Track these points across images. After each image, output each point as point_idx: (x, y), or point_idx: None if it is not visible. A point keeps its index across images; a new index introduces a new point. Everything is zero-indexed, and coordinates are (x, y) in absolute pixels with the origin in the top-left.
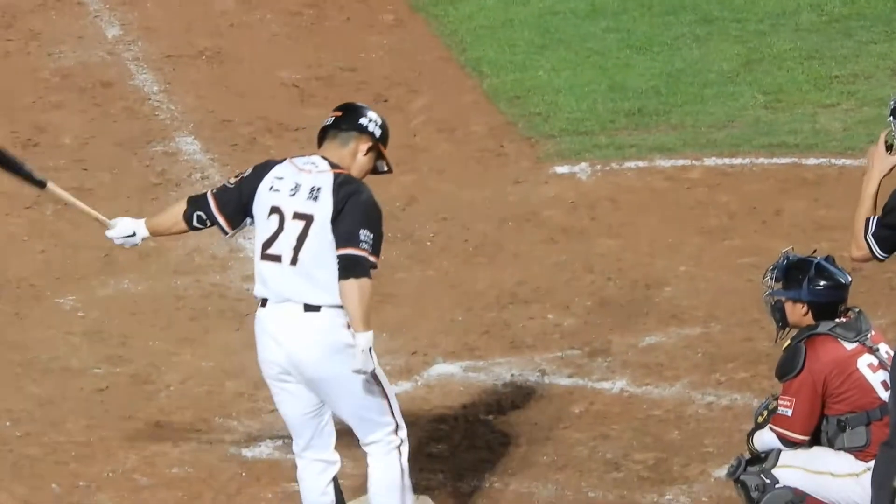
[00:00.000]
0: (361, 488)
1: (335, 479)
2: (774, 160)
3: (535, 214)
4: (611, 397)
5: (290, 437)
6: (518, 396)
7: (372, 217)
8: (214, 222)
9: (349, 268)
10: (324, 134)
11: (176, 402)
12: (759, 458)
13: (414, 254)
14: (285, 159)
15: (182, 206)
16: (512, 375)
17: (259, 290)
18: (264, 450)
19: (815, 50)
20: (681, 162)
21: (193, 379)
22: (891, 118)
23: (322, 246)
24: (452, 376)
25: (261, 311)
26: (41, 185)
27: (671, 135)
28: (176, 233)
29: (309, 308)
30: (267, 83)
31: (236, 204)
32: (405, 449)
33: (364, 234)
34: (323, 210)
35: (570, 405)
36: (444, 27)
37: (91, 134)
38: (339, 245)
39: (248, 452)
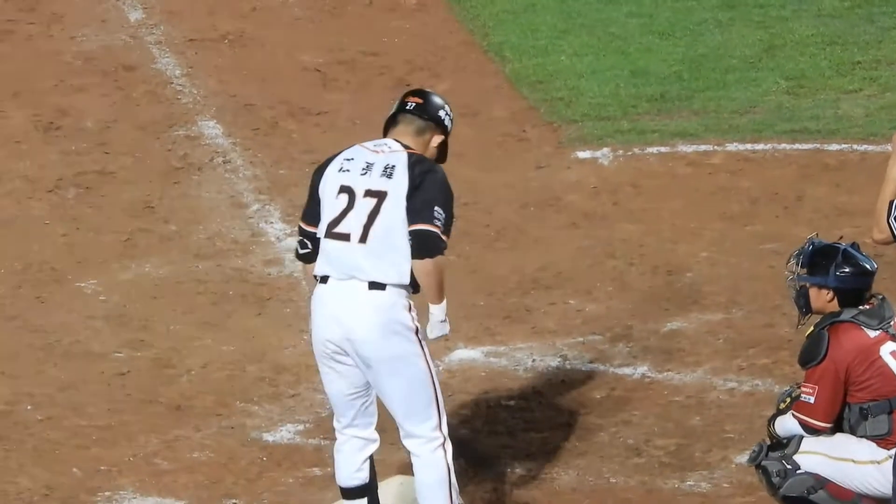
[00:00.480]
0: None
1: (371, 458)
2: (796, 146)
3: (557, 199)
4: (632, 383)
5: (311, 422)
6: (539, 382)
7: (446, 196)
8: (313, 237)
9: (423, 245)
10: (394, 118)
11: (197, 387)
12: (781, 444)
13: None
14: (353, 146)
15: (304, 260)
16: (533, 361)
17: (321, 269)
18: (285, 434)
19: (837, 35)
20: (703, 147)
21: (214, 363)
22: None
23: (393, 223)
24: (474, 361)
25: (321, 288)
26: None
27: (693, 120)
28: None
29: (374, 286)
30: (289, 67)
31: (316, 202)
32: (449, 447)
33: (437, 212)
34: (397, 186)
35: (592, 391)
36: (466, 11)
37: (113, 117)
38: (412, 221)
39: (269, 437)
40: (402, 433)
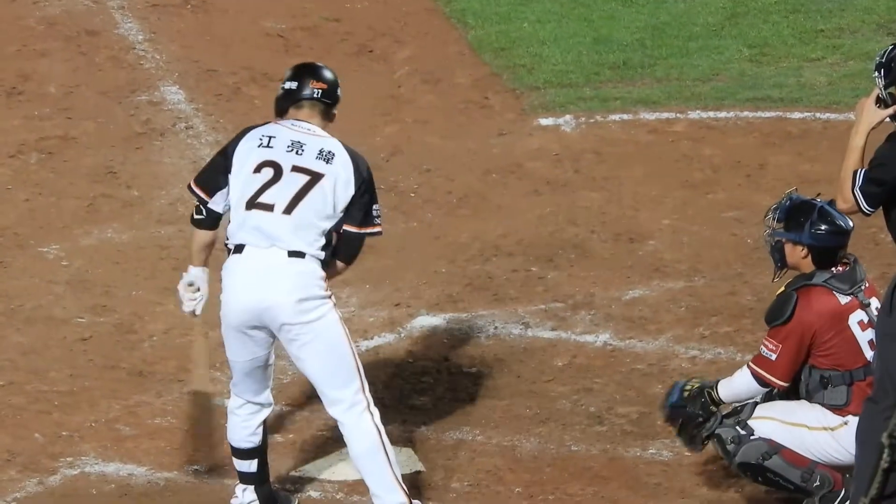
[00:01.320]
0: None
1: (264, 422)
2: (759, 114)
3: (519, 166)
4: (594, 350)
5: (273, 388)
6: (501, 349)
7: (375, 189)
8: (202, 201)
9: (349, 248)
10: (298, 101)
11: (159, 352)
12: (735, 411)
13: (397, 205)
14: (268, 122)
15: (198, 226)
16: (495, 328)
17: (237, 238)
18: None
19: (800, 4)
20: (665, 115)
21: (177, 329)
22: (876, 73)
23: (322, 205)
24: (436, 328)
25: (234, 258)
26: None
27: (656, 88)
28: (210, 244)
29: (293, 254)
30: (252, 33)
31: (221, 171)
32: (375, 411)
33: (375, 210)
34: (338, 176)
35: (554, 358)
36: None
37: (76, 83)
38: (351, 222)
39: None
40: (325, 402)
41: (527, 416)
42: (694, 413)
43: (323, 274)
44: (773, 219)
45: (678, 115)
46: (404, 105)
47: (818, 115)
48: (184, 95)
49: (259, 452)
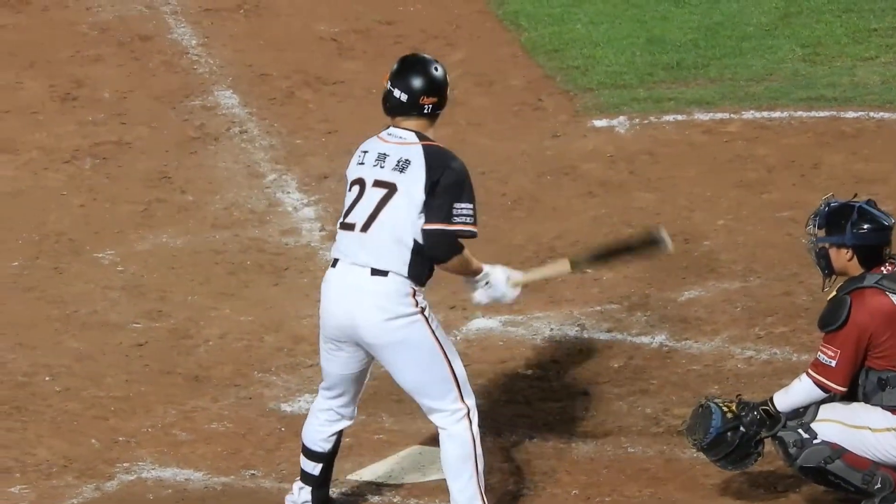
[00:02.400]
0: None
1: (340, 432)
2: (813, 113)
3: (573, 168)
4: (650, 352)
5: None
6: (557, 351)
7: (466, 188)
8: None
9: (435, 246)
10: (405, 111)
11: (215, 357)
12: (798, 414)
13: None
14: (371, 137)
15: None
16: (551, 330)
17: (333, 253)
18: (303, 405)
19: (853, 3)
20: (719, 115)
21: (232, 333)
22: None
23: (400, 217)
24: (491, 331)
25: (330, 272)
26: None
27: (709, 88)
28: None
29: (376, 272)
30: (304, 36)
31: None
32: (475, 417)
33: (457, 209)
34: (410, 182)
35: (609, 360)
36: None
37: (129, 88)
38: (428, 219)
39: (286, 407)
40: (424, 411)
41: (583, 418)
42: (750, 433)
43: (408, 290)
44: (814, 226)
45: (732, 115)
46: (458, 107)
47: (872, 114)
48: (237, 100)
49: (327, 458)
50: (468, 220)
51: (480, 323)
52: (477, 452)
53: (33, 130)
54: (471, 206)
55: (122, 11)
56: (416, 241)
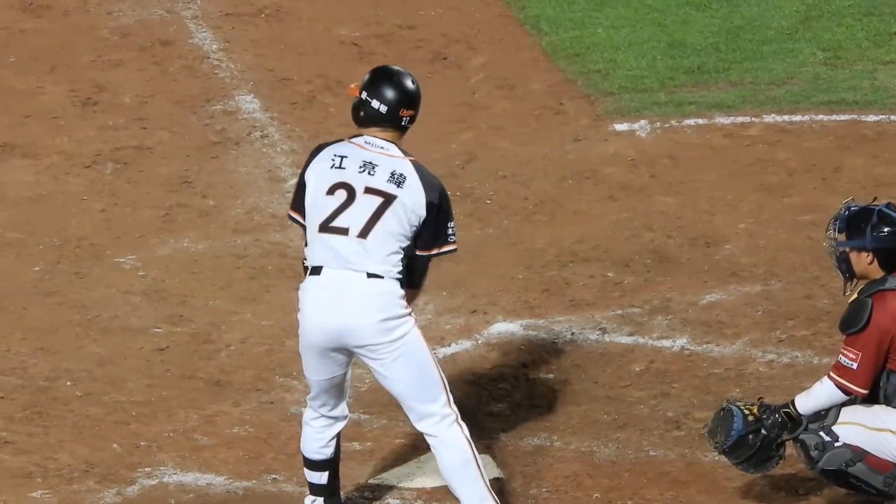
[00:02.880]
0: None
1: (338, 435)
2: (833, 117)
3: (594, 172)
4: (671, 355)
5: (349, 397)
6: (578, 355)
7: (450, 206)
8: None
9: (421, 271)
10: (379, 121)
11: (236, 362)
12: (819, 416)
13: (473, 211)
14: (341, 139)
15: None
16: (572, 334)
17: (315, 259)
18: None
19: (874, 6)
20: (740, 119)
21: (253, 338)
22: None
23: (396, 228)
24: (513, 335)
25: (312, 279)
26: None
27: (730, 92)
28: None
29: (371, 276)
30: (326, 41)
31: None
32: (463, 422)
33: (450, 228)
34: (408, 197)
35: (631, 363)
36: None
37: (150, 92)
38: (427, 246)
39: None
40: (413, 418)
41: (605, 422)
42: (772, 436)
43: (402, 293)
44: (834, 230)
45: (753, 118)
46: (479, 111)
47: (892, 117)
48: (258, 104)
49: (331, 465)
50: (452, 238)
51: (502, 327)
52: (475, 453)
53: (54, 135)
54: (454, 223)
55: (142, 16)
56: (405, 251)
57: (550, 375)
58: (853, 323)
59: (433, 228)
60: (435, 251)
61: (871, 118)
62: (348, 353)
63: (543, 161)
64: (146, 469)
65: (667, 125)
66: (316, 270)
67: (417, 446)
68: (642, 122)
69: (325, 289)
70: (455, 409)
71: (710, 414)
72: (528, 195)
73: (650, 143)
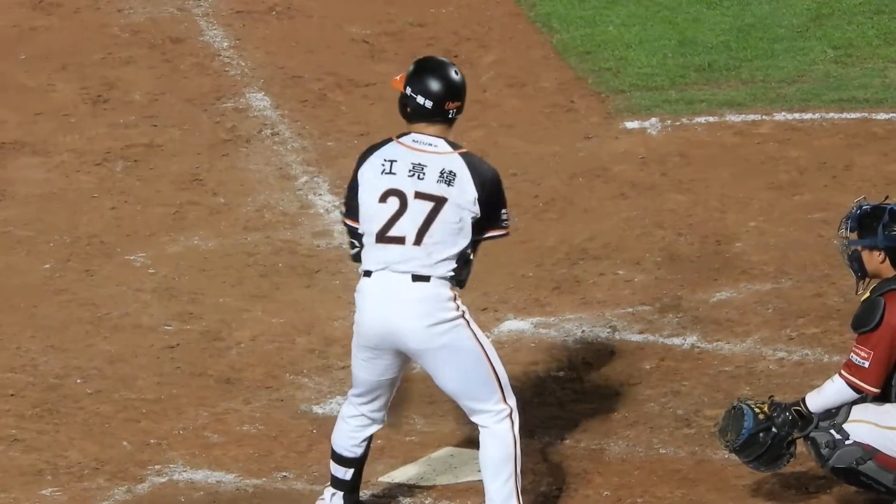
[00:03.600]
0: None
1: (371, 436)
2: (844, 115)
3: (605, 170)
4: (682, 353)
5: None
6: (589, 353)
7: (503, 193)
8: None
9: (470, 257)
10: (427, 116)
11: (246, 359)
12: (830, 414)
13: None
14: (389, 140)
15: (357, 261)
16: (582, 331)
17: (369, 265)
18: (335, 407)
19: (884, 4)
20: (751, 117)
21: (264, 336)
22: None
23: (451, 228)
24: (523, 332)
25: (365, 281)
26: None
27: (741, 90)
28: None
29: (417, 278)
30: (337, 38)
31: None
32: (517, 417)
33: (504, 215)
34: (460, 195)
35: (641, 361)
36: None
37: (161, 90)
38: (487, 229)
39: (318, 409)
40: (467, 411)
41: (614, 419)
42: (782, 434)
43: (450, 294)
44: (846, 229)
45: (763, 116)
46: (490, 109)
47: None
48: (269, 102)
49: (358, 463)
50: (507, 224)
51: (512, 325)
52: (517, 454)
53: (65, 133)
54: (507, 210)
55: (153, 14)
56: (463, 249)
57: (560, 373)
58: (866, 321)
59: (487, 215)
60: (494, 233)
61: (882, 116)
62: (402, 356)
63: (554, 159)
64: (156, 467)
65: (677, 123)
66: (368, 273)
67: (428, 444)
68: (653, 119)
69: (375, 291)
70: (512, 402)
71: (720, 412)
72: (539, 193)
73: (661, 140)
